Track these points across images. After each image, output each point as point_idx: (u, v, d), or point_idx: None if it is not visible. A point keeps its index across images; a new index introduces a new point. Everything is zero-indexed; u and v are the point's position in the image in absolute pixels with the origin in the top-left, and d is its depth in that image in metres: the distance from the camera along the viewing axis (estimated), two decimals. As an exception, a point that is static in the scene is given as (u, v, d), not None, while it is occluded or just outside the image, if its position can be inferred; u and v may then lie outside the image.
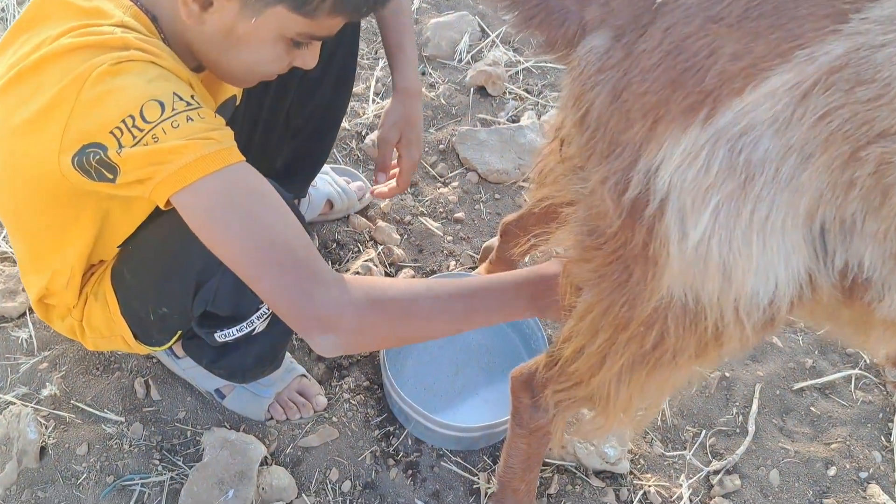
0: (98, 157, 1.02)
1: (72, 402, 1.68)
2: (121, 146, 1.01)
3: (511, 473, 1.50)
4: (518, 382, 1.34)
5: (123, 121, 1.01)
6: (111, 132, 1.02)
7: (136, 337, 1.45)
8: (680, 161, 0.79)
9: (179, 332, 1.47)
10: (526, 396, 1.33)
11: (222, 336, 1.40)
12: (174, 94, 1.04)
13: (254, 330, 1.41)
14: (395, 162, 1.74)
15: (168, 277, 1.33)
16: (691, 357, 0.99)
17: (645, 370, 1.04)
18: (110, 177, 1.05)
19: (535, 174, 1.30)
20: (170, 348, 1.55)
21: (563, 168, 1.05)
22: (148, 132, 1.01)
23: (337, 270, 1.93)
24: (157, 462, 1.62)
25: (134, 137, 1.01)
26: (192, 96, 1.07)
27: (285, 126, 1.69)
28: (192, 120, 1.03)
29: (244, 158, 1.08)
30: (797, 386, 1.98)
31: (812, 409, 1.94)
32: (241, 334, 1.40)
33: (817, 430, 1.91)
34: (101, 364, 1.76)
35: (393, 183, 1.73)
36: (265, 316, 1.41)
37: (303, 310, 1.05)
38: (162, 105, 1.02)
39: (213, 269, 1.27)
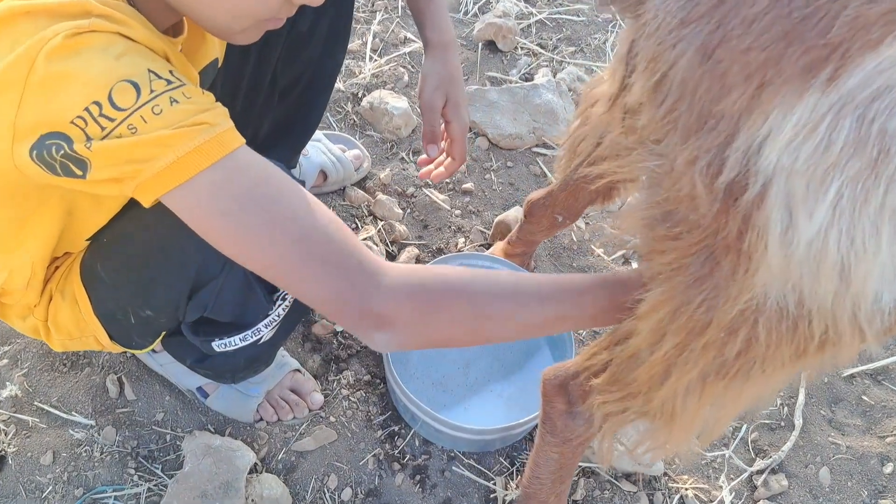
0: (62, 150, 0.88)
1: (35, 403, 1.59)
2: (88, 139, 0.87)
3: (538, 484, 1.40)
4: (552, 386, 1.24)
5: (87, 108, 0.86)
6: (73, 122, 0.87)
7: (111, 338, 1.34)
8: (792, 135, 0.68)
9: (163, 333, 1.37)
10: (561, 402, 1.23)
11: (222, 346, 1.31)
12: (149, 71, 0.90)
13: (260, 339, 1.32)
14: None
15: (154, 279, 1.22)
16: (783, 366, 0.90)
17: (722, 382, 0.94)
18: (79, 172, 0.91)
19: (571, 145, 1.15)
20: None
21: (627, 141, 0.94)
22: (122, 122, 0.87)
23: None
24: (133, 471, 1.52)
25: (103, 129, 0.87)
26: (170, 72, 0.92)
27: (271, 87, 1.55)
28: (177, 102, 0.90)
29: (243, 140, 0.95)
30: (847, 372, 1.88)
31: (864, 397, 1.84)
32: (244, 344, 1.31)
33: (870, 422, 1.81)
34: (69, 360, 1.65)
35: (442, 164, 1.60)
36: (274, 323, 1.33)
37: (357, 307, 0.96)
38: (136, 87, 0.88)
39: (213, 269, 1.18)
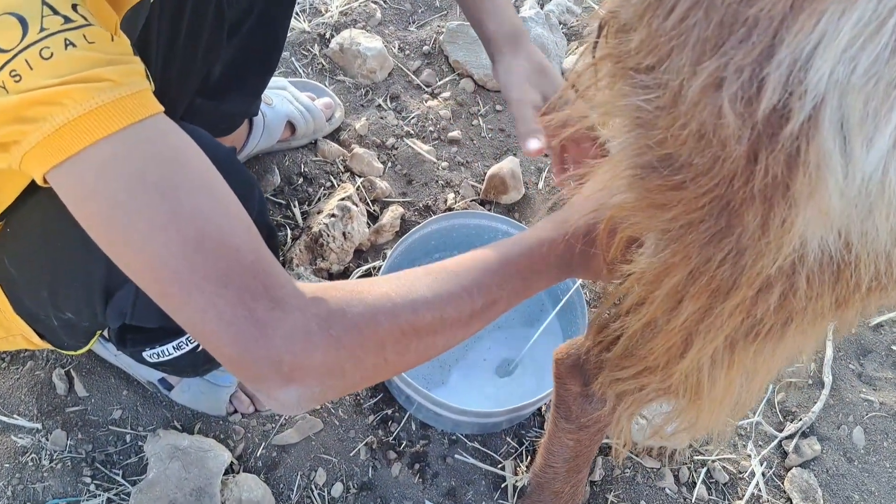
0: None
1: (-30, 406, 1.46)
2: None
3: (552, 474, 1.32)
4: (565, 367, 1.16)
5: None
6: None
7: (41, 337, 1.22)
8: (849, 41, 0.58)
9: (98, 333, 1.24)
10: (575, 383, 1.16)
11: (154, 356, 1.16)
12: (43, 4, 0.77)
13: (199, 346, 1.16)
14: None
15: (62, 280, 1.09)
16: (823, 319, 0.83)
17: (753, 346, 0.86)
18: None
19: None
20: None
21: (602, 74, 0.83)
22: (2, 66, 0.76)
23: (305, 214, 1.61)
24: (89, 480, 1.40)
25: None
26: (73, 6, 0.79)
27: (217, 21, 1.39)
28: (74, 46, 0.77)
29: (160, 108, 0.82)
30: (875, 321, 1.81)
31: (893, 347, 1.78)
32: (180, 352, 1.16)
33: None
34: (7, 353, 1.52)
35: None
36: None
37: (253, 349, 0.78)
38: (23, 22, 0.77)
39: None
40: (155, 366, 1.22)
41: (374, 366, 0.85)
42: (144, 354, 1.16)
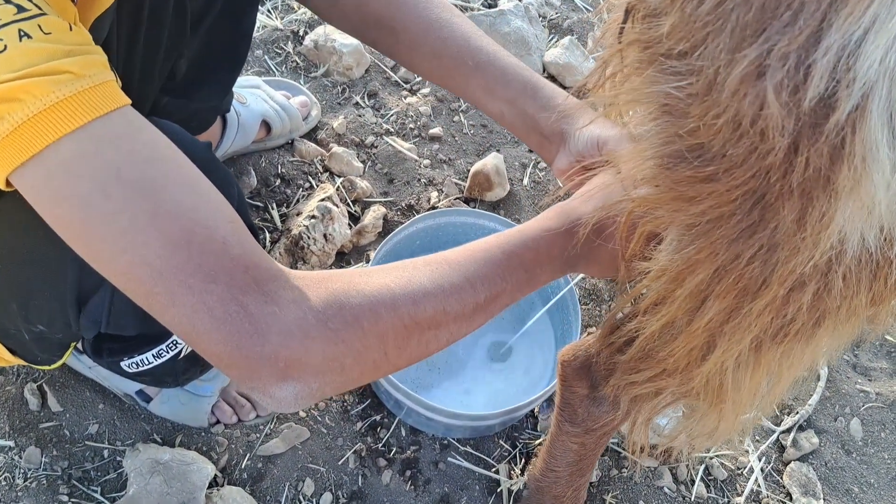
0: None
1: (-63, 425, 1.41)
2: None
3: (553, 478, 1.28)
4: (570, 369, 1.13)
5: None
6: None
7: (12, 352, 1.18)
8: None
9: (72, 346, 1.20)
10: (582, 386, 1.12)
11: (133, 365, 1.12)
12: None
13: (180, 352, 1.12)
14: None
15: (33, 291, 1.04)
16: (856, 318, 0.79)
17: (780, 347, 0.83)
18: None
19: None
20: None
21: (630, 60, 0.79)
22: None
23: (284, 216, 1.56)
24: (66, 498, 1.35)
25: None
26: None
27: (178, 14, 1.32)
28: (29, 37, 0.73)
29: (127, 100, 0.78)
30: None
31: (887, 337, 1.75)
32: (160, 361, 1.11)
33: None
34: None
35: None
36: None
37: (247, 346, 0.74)
38: None
39: (97, 276, 0.99)
40: (134, 376, 1.18)
41: (374, 360, 0.82)
42: (123, 364, 1.12)
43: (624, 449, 1.48)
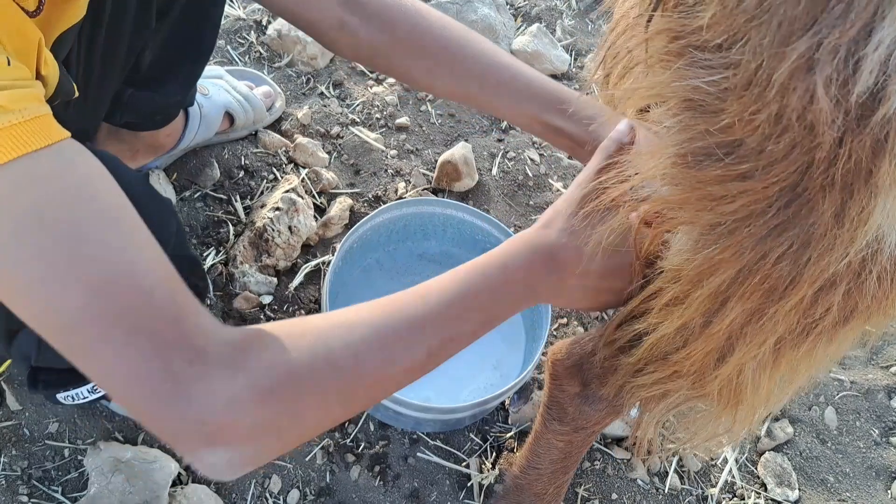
0: None
1: None
2: None
3: (535, 475, 1.25)
4: (562, 367, 1.09)
5: None
6: None
7: None
8: None
9: (8, 361, 1.16)
10: (573, 384, 1.08)
11: (68, 398, 1.07)
12: None
13: None
14: None
15: None
16: (882, 317, 0.77)
17: (802, 347, 0.79)
18: None
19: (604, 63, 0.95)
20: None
21: (656, 53, 0.74)
22: None
23: (248, 209, 1.52)
24: (26, 498, 1.31)
25: None
26: None
27: (143, 5, 1.26)
28: None
29: (63, 133, 0.73)
30: None
31: None
32: (95, 396, 1.06)
33: (871, 352, 1.74)
34: None
35: None
36: None
37: (170, 408, 0.68)
38: None
39: None
40: (71, 407, 1.14)
41: (315, 420, 0.76)
42: (59, 397, 1.07)
43: (596, 441, 1.46)
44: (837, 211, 0.66)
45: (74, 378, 1.04)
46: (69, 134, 0.72)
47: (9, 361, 1.15)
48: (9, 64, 0.71)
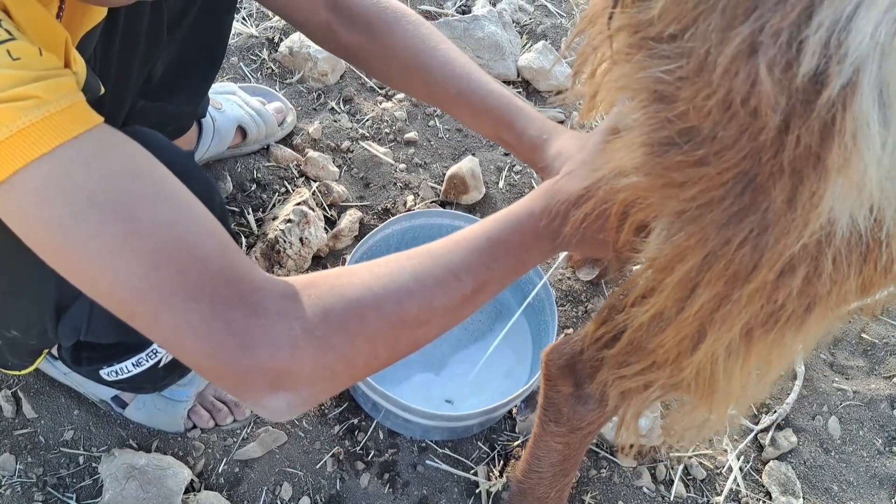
0: None
1: None
2: None
3: (537, 479, 1.26)
4: (555, 367, 1.10)
5: None
6: None
7: None
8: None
9: (45, 352, 1.18)
10: (567, 384, 1.09)
11: (112, 374, 1.10)
12: None
13: (160, 361, 1.12)
14: None
15: (9, 297, 1.02)
16: (844, 303, 0.78)
17: (770, 334, 0.80)
18: None
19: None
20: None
21: (618, 47, 0.77)
22: None
23: (260, 221, 1.56)
24: None
25: None
26: None
27: (156, 17, 1.33)
28: None
29: (98, 119, 0.76)
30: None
31: (864, 336, 1.76)
32: (140, 370, 1.10)
33: (873, 362, 1.73)
34: None
35: None
36: None
37: (235, 361, 0.73)
38: None
39: None
40: (112, 384, 1.17)
41: (364, 363, 0.81)
42: (102, 373, 1.10)
43: (602, 449, 1.47)
44: (790, 196, 0.67)
45: (118, 353, 1.08)
46: (103, 119, 0.76)
47: (44, 354, 1.19)
48: (41, 54, 0.74)
